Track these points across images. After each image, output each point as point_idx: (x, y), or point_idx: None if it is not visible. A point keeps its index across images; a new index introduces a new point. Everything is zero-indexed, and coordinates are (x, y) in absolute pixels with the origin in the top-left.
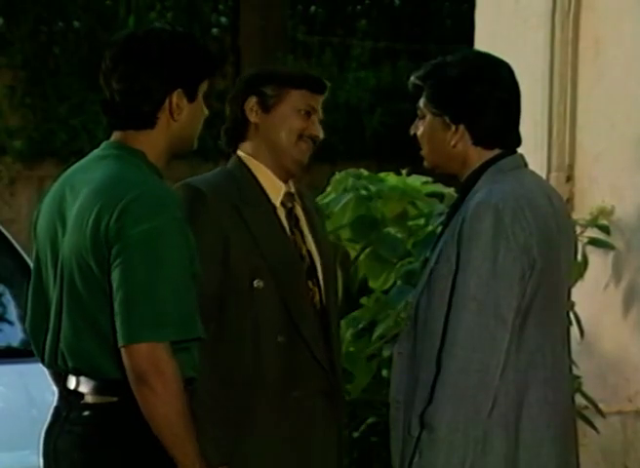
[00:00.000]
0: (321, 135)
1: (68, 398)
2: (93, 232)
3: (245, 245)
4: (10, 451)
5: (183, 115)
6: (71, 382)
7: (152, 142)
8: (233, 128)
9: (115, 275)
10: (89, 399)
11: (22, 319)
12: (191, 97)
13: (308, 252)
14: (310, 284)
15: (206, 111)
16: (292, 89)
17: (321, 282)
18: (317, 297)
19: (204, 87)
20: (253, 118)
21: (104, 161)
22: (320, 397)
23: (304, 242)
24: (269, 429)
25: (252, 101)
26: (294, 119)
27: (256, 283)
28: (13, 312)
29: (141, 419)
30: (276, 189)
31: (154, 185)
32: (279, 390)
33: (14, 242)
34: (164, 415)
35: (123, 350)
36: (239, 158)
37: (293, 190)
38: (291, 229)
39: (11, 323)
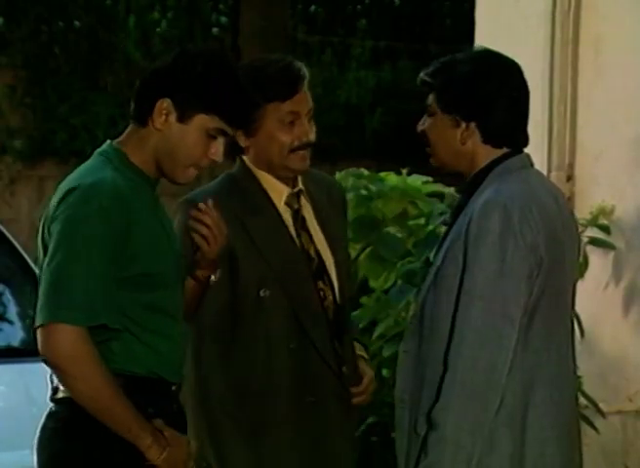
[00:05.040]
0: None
1: (51, 393)
2: (43, 225)
3: (250, 255)
4: (10, 451)
5: (168, 130)
6: (54, 377)
7: (140, 142)
8: (231, 142)
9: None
10: (59, 394)
11: (23, 318)
12: (181, 117)
13: (317, 251)
14: (321, 283)
15: (215, 157)
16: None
17: (334, 280)
18: (330, 297)
19: (206, 121)
20: (242, 143)
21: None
22: (334, 400)
23: (312, 241)
24: (284, 436)
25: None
26: (281, 133)
27: (262, 292)
28: (13, 312)
29: None
30: (278, 192)
31: (97, 177)
32: (292, 396)
33: (14, 242)
34: (85, 395)
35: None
36: (243, 162)
37: (299, 188)
38: (297, 231)
39: (11, 322)
